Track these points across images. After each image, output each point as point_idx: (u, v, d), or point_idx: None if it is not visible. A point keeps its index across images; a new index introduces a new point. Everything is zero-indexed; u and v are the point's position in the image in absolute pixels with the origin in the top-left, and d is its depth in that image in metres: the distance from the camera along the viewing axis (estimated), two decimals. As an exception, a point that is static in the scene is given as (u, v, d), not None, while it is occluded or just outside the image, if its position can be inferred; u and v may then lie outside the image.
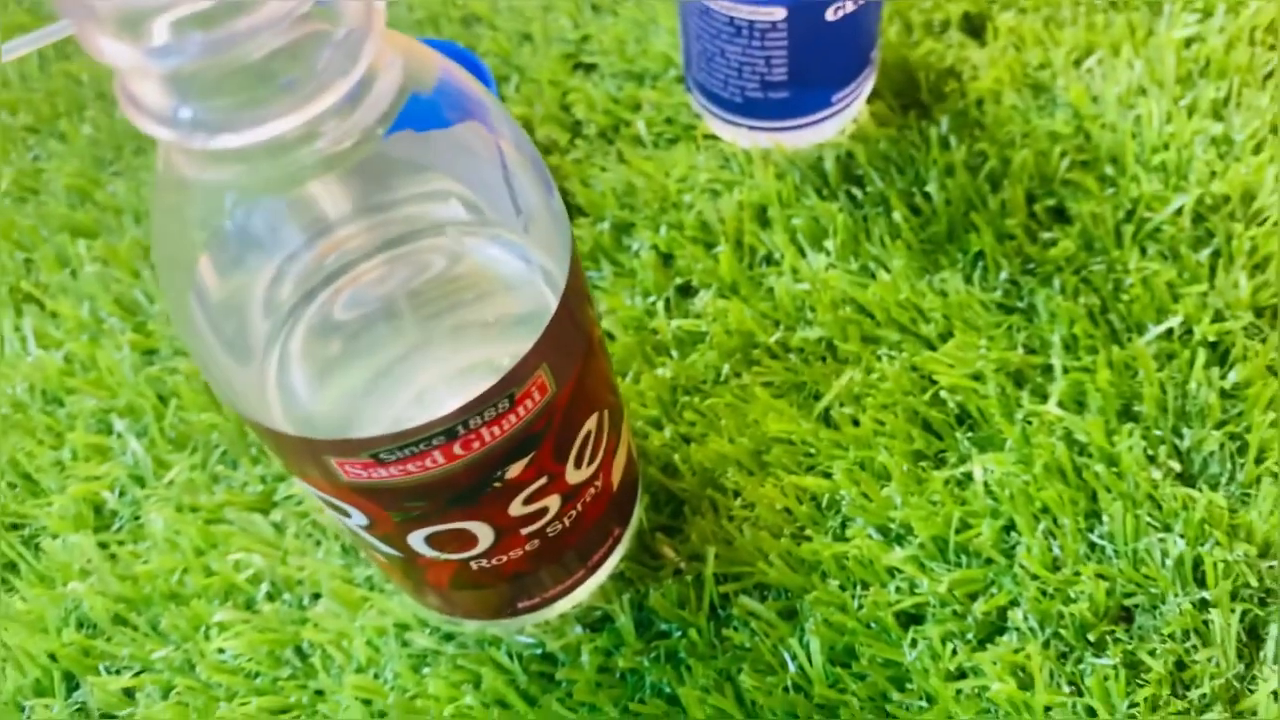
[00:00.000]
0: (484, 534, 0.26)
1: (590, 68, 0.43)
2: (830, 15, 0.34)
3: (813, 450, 0.33)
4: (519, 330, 0.25)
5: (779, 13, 0.34)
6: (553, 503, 0.27)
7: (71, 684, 0.32)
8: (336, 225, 0.22)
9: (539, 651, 0.31)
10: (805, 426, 0.34)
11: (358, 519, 0.25)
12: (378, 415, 0.25)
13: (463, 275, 0.24)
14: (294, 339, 0.23)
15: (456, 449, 0.23)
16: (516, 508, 0.26)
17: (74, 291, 0.39)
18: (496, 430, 0.23)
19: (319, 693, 0.31)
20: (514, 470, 0.25)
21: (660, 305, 0.37)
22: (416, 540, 0.26)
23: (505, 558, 0.27)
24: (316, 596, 0.33)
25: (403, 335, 0.24)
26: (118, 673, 0.32)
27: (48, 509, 0.35)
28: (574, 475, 0.27)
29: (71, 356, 0.38)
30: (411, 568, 0.28)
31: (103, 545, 0.34)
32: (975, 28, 0.42)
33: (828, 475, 0.33)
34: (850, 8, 0.34)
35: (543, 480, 0.26)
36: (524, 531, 0.27)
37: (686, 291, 0.38)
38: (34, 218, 0.41)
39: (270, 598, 0.33)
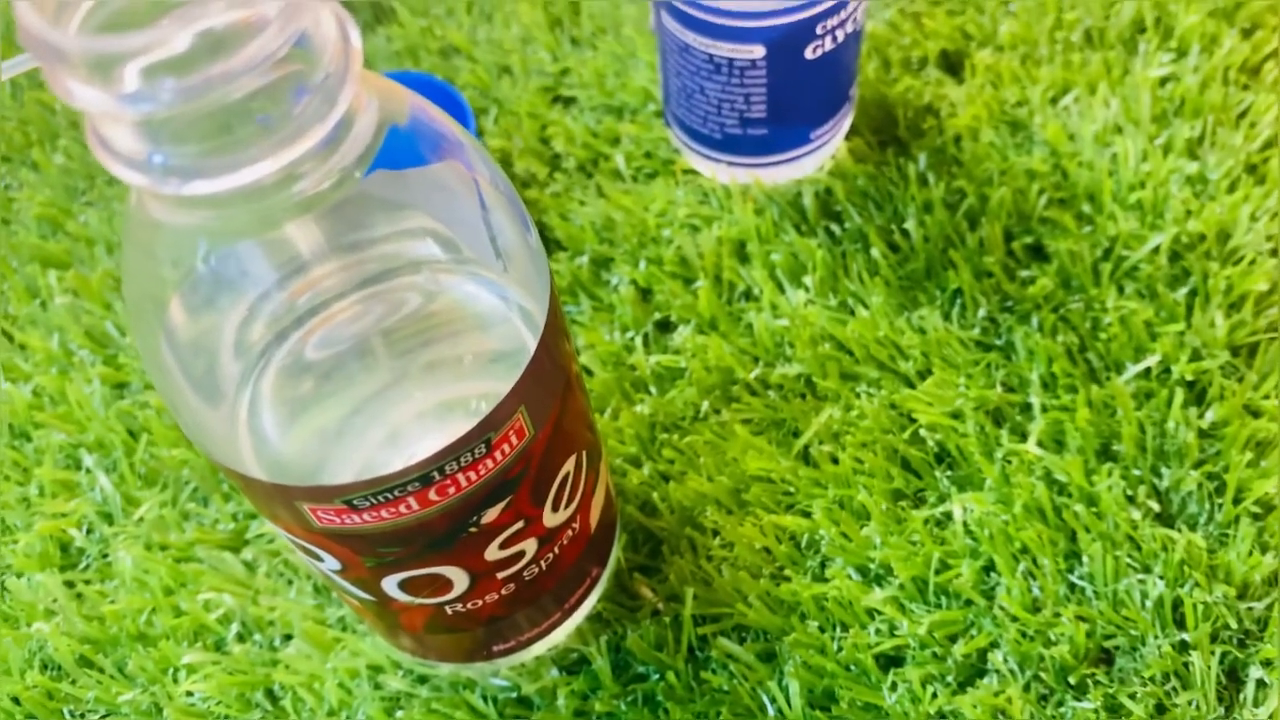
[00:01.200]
0: (459, 578, 0.26)
1: (569, 101, 0.43)
2: (809, 53, 0.34)
3: (792, 489, 0.33)
4: (493, 368, 0.25)
5: (758, 50, 0.34)
6: (529, 546, 0.26)
7: (35, 728, 0.32)
8: (310, 264, 0.21)
9: (514, 695, 0.31)
10: (784, 464, 0.34)
11: (330, 563, 0.25)
12: (349, 456, 0.25)
13: (438, 313, 0.23)
14: (265, 379, 0.23)
15: (432, 495, 0.23)
16: (493, 552, 0.25)
17: (44, 323, 0.39)
18: (473, 475, 0.23)
19: (289, 737, 0.31)
20: (490, 515, 0.24)
21: (639, 341, 0.37)
22: (390, 585, 0.26)
23: (481, 602, 0.27)
24: (288, 638, 0.32)
25: (375, 374, 0.23)
26: (83, 716, 0.32)
27: (13, 547, 0.34)
28: (551, 518, 0.26)
29: (40, 390, 0.37)
30: (385, 611, 0.27)
31: (69, 584, 0.34)
32: (953, 65, 0.42)
33: (807, 514, 0.33)
34: (829, 46, 0.34)
35: (519, 524, 0.25)
36: (500, 575, 0.26)
37: (665, 327, 0.37)
38: (4, 248, 0.41)
39: (241, 638, 0.32)
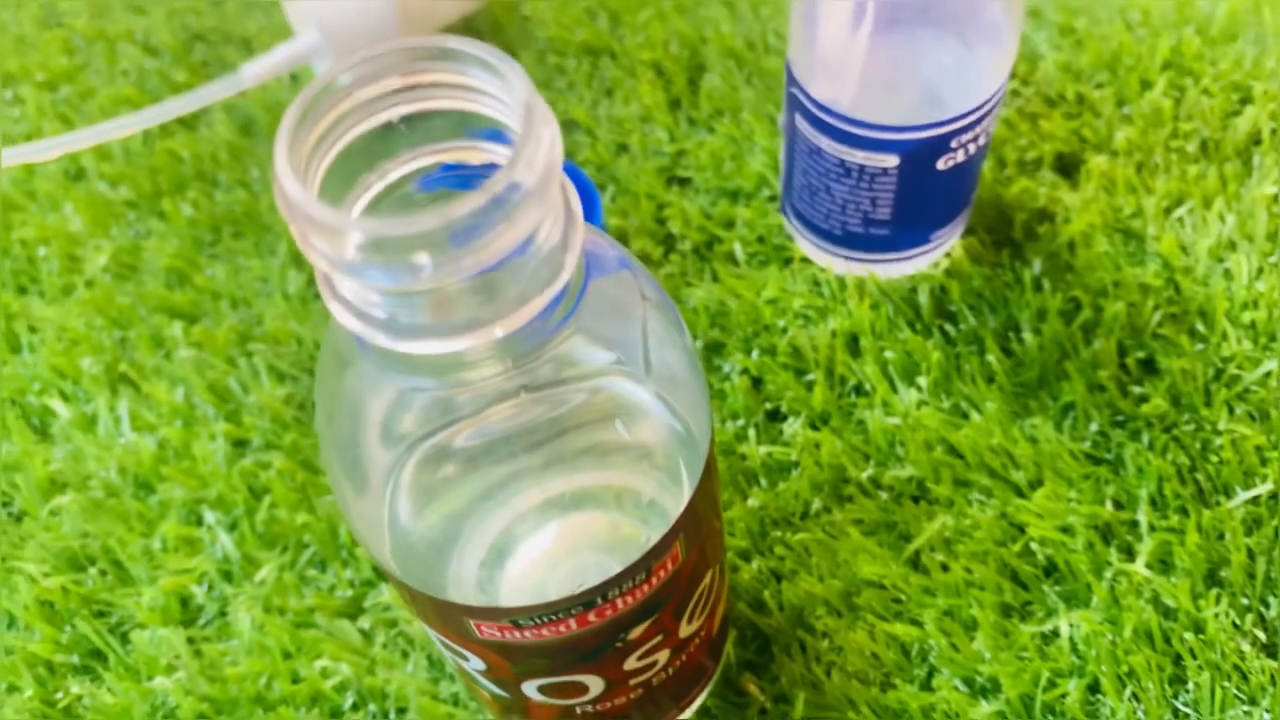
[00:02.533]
0: (595, 685, 0.27)
1: (685, 182, 0.44)
2: (940, 164, 0.35)
3: (902, 596, 0.34)
4: (634, 470, 0.26)
5: (892, 160, 0.35)
6: (663, 656, 0.27)
7: (155, 782, 0.33)
8: (479, 371, 0.22)
9: (624, 785, 0.32)
10: (895, 570, 0.34)
11: (475, 664, 0.26)
12: (475, 537, 0.26)
13: (587, 412, 0.24)
14: (407, 467, 0.23)
15: (591, 617, 0.23)
16: (631, 663, 0.26)
17: (168, 374, 0.40)
18: (630, 599, 0.24)
19: (402, 811, 0.32)
20: (636, 631, 0.25)
21: (751, 431, 0.37)
22: (530, 688, 0.26)
23: (610, 704, 0.28)
24: (402, 710, 0.33)
25: (509, 464, 0.24)
26: (200, 773, 0.33)
27: (137, 599, 0.36)
28: (685, 630, 0.27)
29: (165, 442, 0.38)
30: (514, 706, 0.28)
31: (190, 641, 0.35)
32: (1068, 168, 0.43)
33: (917, 623, 0.33)
34: (960, 158, 0.35)
35: (659, 638, 0.26)
36: (632, 682, 0.27)
37: (774, 416, 0.38)
38: (131, 296, 0.42)
39: (356, 708, 0.33)
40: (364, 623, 0.35)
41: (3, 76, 0.49)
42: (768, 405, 0.38)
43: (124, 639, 0.35)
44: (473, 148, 0.20)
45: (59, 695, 0.34)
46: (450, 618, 0.24)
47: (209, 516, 0.37)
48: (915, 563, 0.35)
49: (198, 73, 0.48)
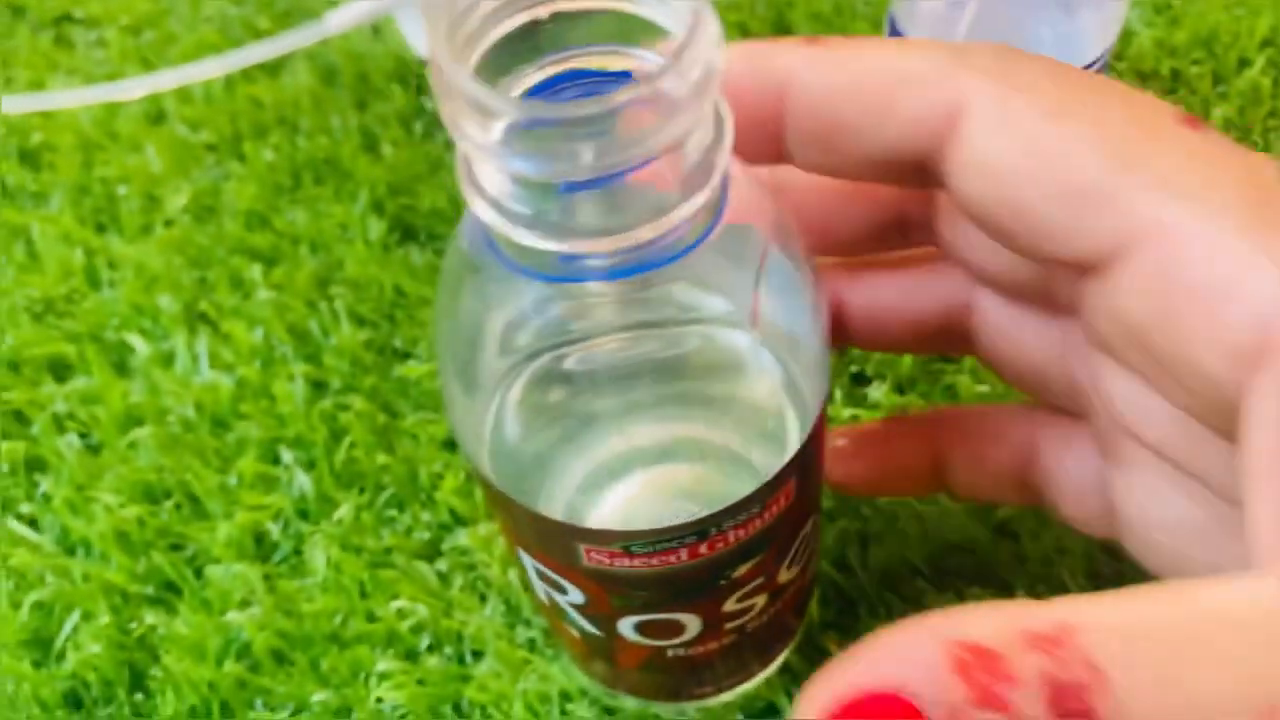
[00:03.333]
0: (692, 625, 0.26)
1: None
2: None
3: (992, 562, 0.33)
4: (740, 420, 0.25)
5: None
6: (760, 601, 0.27)
7: (227, 715, 0.32)
8: (596, 292, 0.21)
9: (704, 738, 0.31)
10: (984, 535, 0.33)
11: (574, 597, 0.25)
12: (572, 463, 0.25)
13: (699, 355, 0.24)
14: (519, 381, 0.23)
15: (702, 548, 0.23)
16: (730, 604, 0.26)
17: (247, 315, 0.40)
18: (741, 533, 0.23)
19: (478, 754, 0.31)
20: (741, 570, 0.25)
21: (836, 392, 0.37)
22: (625, 625, 0.26)
23: (701, 649, 0.27)
24: (478, 654, 0.33)
25: (616, 397, 0.24)
26: (273, 709, 0.32)
27: (212, 534, 0.35)
28: (784, 575, 0.27)
29: (243, 381, 0.38)
30: (604, 646, 0.28)
31: (265, 577, 0.34)
32: (1163, 143, 0.42)
33: (1008, 589, 0.33)
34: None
35: (760, 580, 0.26)
36: (727, 626, 0.27)
37: (859, 380, 0.37)
38: (210, 237, 0.42)
39: (431, 649, 0.33)
40: (441, 565, 0.34)
41: (87, 20, 0.49)
42: (853, 368, 0.37)
43: (198, 573, 0.35)
44: (618, 53, 0.20)
45: (133, 625, 0.34)
46: (556, 541, 0.23)
47: (286, 455, 0.37)
48: (1005, 530, 0.34)
49: (281, 20, 0.48)
